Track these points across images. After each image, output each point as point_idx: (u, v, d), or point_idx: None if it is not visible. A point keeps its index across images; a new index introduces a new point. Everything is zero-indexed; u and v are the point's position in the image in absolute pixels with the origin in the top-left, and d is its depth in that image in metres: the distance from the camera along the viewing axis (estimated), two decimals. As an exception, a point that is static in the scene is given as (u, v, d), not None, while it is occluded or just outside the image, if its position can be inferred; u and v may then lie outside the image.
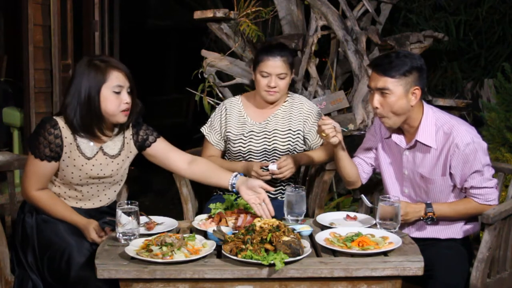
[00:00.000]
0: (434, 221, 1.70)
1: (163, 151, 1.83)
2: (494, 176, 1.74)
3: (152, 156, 1.84)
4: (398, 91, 1.65)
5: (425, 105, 1.74)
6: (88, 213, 1.77)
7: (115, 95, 1.67)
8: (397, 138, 1.76)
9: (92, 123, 1.69)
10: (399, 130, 1.77)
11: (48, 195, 1.73)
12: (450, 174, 1.70)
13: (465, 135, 1.67)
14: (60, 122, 1.70)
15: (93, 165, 1.73)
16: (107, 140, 1.75)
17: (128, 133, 1.81)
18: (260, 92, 2.03)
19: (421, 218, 1.70)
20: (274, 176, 1.97)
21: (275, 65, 1.99)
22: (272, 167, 1.95)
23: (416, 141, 1.72)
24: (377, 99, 1.68)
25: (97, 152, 1.74)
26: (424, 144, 1.71)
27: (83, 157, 1.72)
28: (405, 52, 1.68)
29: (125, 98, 1.69)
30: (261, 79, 2.01)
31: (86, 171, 1.72)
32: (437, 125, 1.70)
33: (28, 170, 1.71)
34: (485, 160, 1.69)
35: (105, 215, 1.78)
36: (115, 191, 1.84)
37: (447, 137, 1.67)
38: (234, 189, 1.75)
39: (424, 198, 1.77)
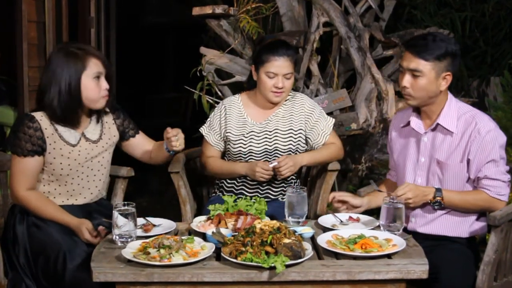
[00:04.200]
0: (441, 206, 1.69)
1: (140, 146, 1.92)
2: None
3: (129, 149, 1.92)
4: (430, 74, 1.67)
5: (449, 93, 1.76)
6: (79, 212, 1.74)
7: (95, 82, 1.71)
8: (416, 124, 1.76)
9: (72, 111, 1.71)
10: (418, 114, 1.77)
11: (38, 196, 1.71)
12: (468, 161, 1.69)
13: (488, 122, 1.69)
14: (37, 115, 1.71)
15: (79, 151, 1.75)
16: (86, 126, 1.78)
17: (109, 118, 1.85)
18: (266, 93, 1.99)
19: (429, 201, 1.69)
20: (276, 171, 1.93)
21: (282, 65, 1.94)
22: (273, 164, 1.92)
23: (438, 124, 1.73)
24: (407, 79, 1.69)
25: (80, 139, 1.75)
26: (445, 128, 1.71)
27: (68, 145, 1.73)
28: (442, 36, 1.69)
29: (104, 84, 1.73)
30: (267, 80, 1.96)
31: (74, 157, 1.73)
32: (459, 112, 1.72)
33: (14, 171, 1.70)
34: (502, 153, 1.70)
35: (95, 215, 1.75)
36: (104, 182, 1.84)
37: (469, 123, 1.69)
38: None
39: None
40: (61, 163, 1.71)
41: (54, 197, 1.75)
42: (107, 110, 1.83)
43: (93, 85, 1.70)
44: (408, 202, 1.65)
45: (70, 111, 1.70)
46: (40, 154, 1.69)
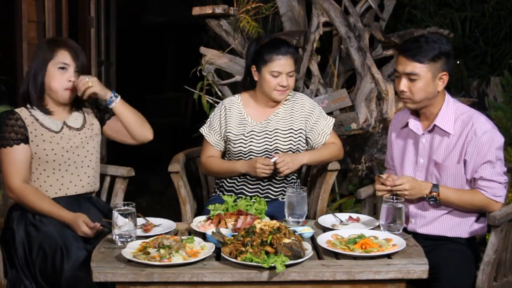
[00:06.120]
0: (437, 202, 1.69)
1: (118, 128, 1.89)
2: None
3: (109, 134, 1.91)
4: (427, 76, 1.68)
5: (446, 94, 1.76)
6: (74, 205, 1.75)
7: (60, 72, 1.74)
8: (414, 125, 1.77)
9: (40, 99, 1.76)
10: (416, 115, 1.78)
11: (33, 189, 1.73)
12: (465, 162, 1.69)
13: (484, 123, 1.69)
14: (16, 109, 1.78)
15: (61, 137, 1.78)
16: (67, 116, 1.82)
17: (87, 108, 1.88)
18: (270, 92, 1.99)
19: (425, 196, 1.69)
20: (276, 167, 1.92)
21: (286, 63, 1.95)
22: (274, 159, 1.92)
23: (435, 125, 1.73)
24: (404, 83, 1.70)
25: (62, 127, 1.79)
26: (442, 130, 1.72)
27: (50, 131, 1.77)
28: (434, 37, 1.70)
29: (70, 76, 1.75)
30: (271, 79, 1.96)
31: (57, 141, 1.77)
32: (456, 113, 1.72)
33: (5, 164, 1.73)
34: (499, 154, 1.69)
35: (91, 210, 1.75)
36: (94, 171, 1.85)
37: (465, 124, 1.70)
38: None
39: None
40: (44, 149, 1.74)
41: (46, 190, 1.76)
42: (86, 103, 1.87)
43: (58, 75, 1.74)
44: (404, 193, 1.65)
45: (38, 99, 1.76)
46: (26, 143, 1.73)
